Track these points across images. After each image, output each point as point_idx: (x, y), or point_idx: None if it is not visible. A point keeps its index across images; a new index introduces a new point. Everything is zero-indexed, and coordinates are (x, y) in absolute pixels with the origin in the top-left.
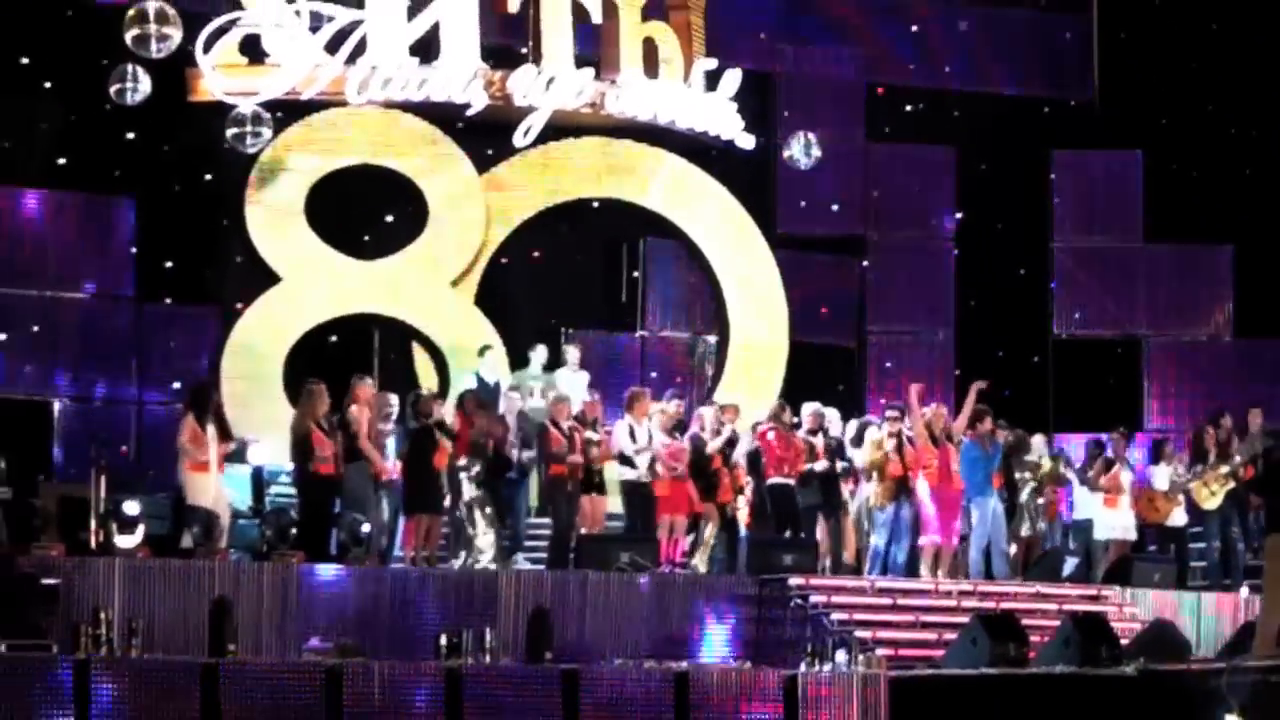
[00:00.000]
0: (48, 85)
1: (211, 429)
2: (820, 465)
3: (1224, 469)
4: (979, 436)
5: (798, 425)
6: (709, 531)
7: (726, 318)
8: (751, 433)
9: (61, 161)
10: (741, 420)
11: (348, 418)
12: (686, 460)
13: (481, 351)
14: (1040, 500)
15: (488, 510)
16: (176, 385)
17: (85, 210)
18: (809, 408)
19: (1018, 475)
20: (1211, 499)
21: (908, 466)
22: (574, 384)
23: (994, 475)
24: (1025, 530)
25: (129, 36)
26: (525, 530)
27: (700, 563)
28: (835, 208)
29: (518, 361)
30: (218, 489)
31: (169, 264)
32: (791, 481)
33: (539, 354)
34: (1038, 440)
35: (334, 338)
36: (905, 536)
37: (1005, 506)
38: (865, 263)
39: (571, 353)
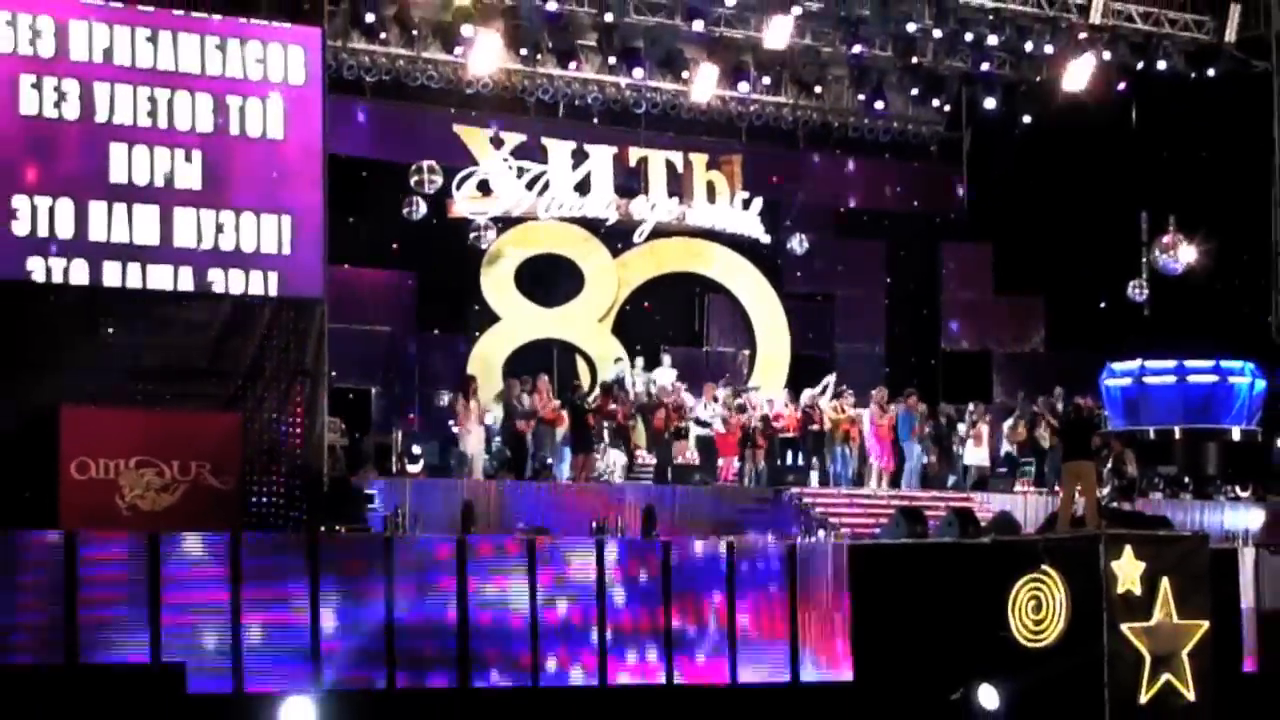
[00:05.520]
0: (352, 217)
1: (473, 403)
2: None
3: (1048, 423)
4: (910, 408)
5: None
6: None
7: (755, 340)
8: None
9: (364, 252)
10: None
11: (535, 400)
12: (736, 421)
13: (616, 360)
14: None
15: (618, 450)
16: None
17: (390, 281)
18: (808, 392)
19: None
20: (1046, 440)
21: (848, 423)
22: (668, 376)
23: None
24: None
25: (412, 180)
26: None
27: (748, 480)
28: (817, 276)
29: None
30: (475, 438)
31: (435, 311)
32: (790, 434)
33: (640, 362)
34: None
35: (530, 352)
36: (845, 463)
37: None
38: (834, 307)
39: (667, 359)
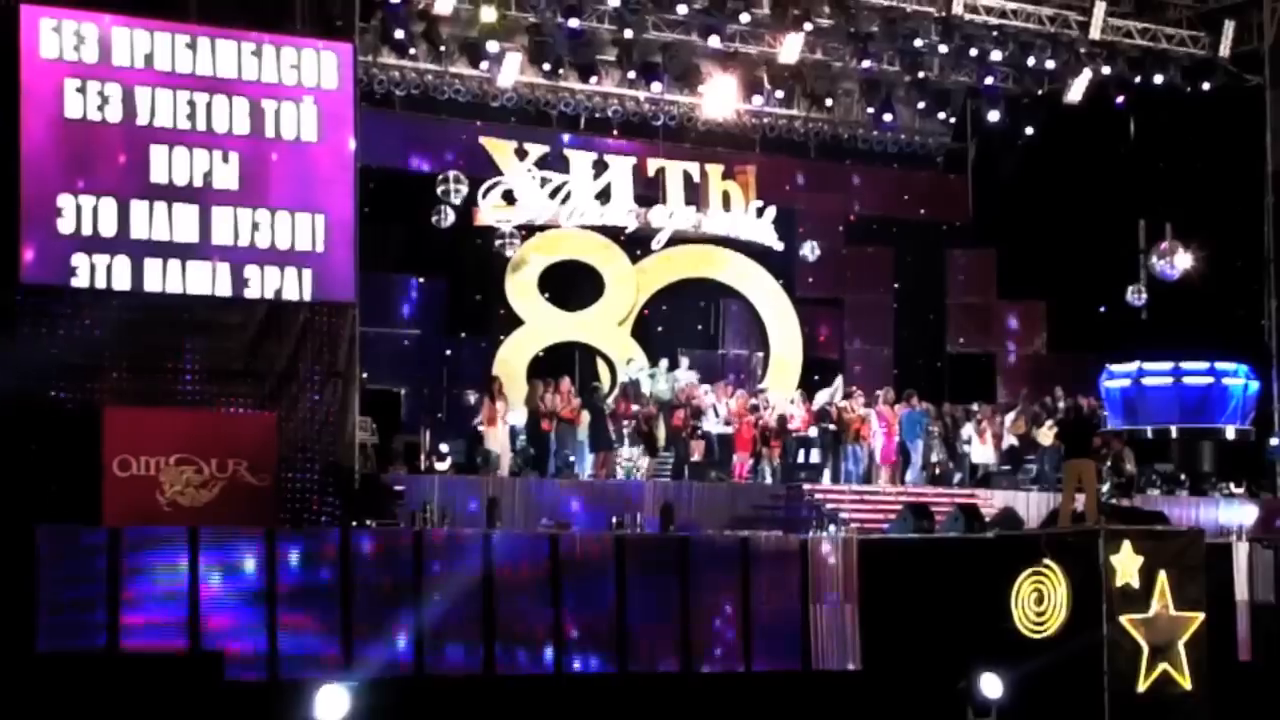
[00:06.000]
0: (384, 225)
1: (499, 404)
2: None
3: (1049, 423)
4: (913, 407)
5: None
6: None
7: (768, 343)
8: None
9: (394, 259)
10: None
11: (557, 400)
12: (751, 421)
13: (628, 361)
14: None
15: (639, 448)
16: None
17: (418, 286)
18: (823, 394)
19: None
20: (1045, 438)
21: (860, 422)
22: (686, 378)
23: (925, 428)
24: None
25: (439, 190)
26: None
27: (767, 476)
28: (828, 282)
29: (655, 366)
30: (500, 437)
31: (462, 315)
32: (803, 433)
33: (665, 363)
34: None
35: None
36: (858, 461)
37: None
38: (844, 311)
39: (685, 361)
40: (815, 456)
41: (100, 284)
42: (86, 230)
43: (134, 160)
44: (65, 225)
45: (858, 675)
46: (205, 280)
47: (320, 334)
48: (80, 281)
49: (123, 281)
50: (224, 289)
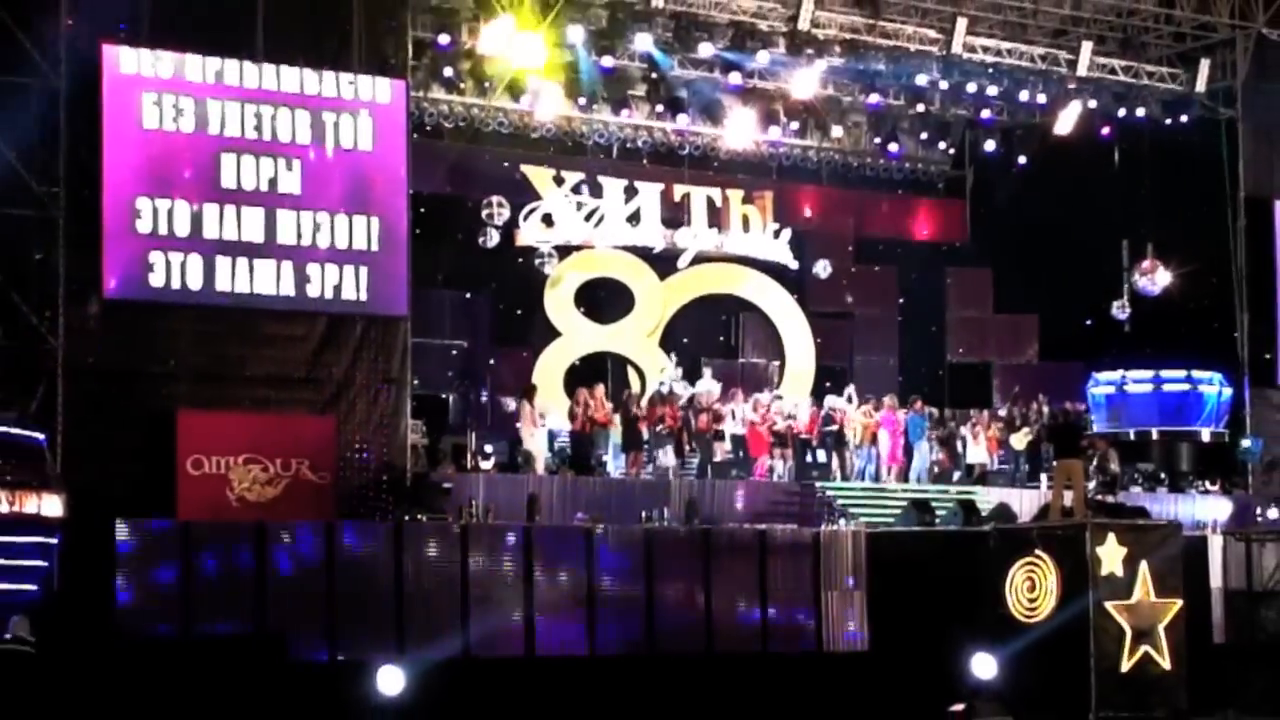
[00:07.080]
0: (434, 245)
1: (537, 408)
2: (833, 427)
3: (1025, 430)
4: (917, 412)
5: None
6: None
7: (784, 353)
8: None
9: (443, 276)
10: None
11: (593, 404)
12: (764, 425)
13: (661, 370)
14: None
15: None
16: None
17: (465, 301)
18: (830, 399)
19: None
20: (1019, 443)
21: (874, 426)
22: (709, 386)
23: (926, 431)
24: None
25: (483, 214)
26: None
27: (778, 474)
28: (838, 297)
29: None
30: (538, 439)
31: (504, 327)
32: (808, 435)
33: (681, 370)
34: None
35: (587, 363)
36: (871, 461)
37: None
38: (853, 324)
39: (708, 370)
40: (822, 457)
41: (175, 280)
42: (163, 230)
43: (205, 167)
44: (143, 225)
45: (866, 655)
46: (270, 277)
47: (375, 345)
48: (157, 278)
49: (195, 278)
50: (288, 285)
